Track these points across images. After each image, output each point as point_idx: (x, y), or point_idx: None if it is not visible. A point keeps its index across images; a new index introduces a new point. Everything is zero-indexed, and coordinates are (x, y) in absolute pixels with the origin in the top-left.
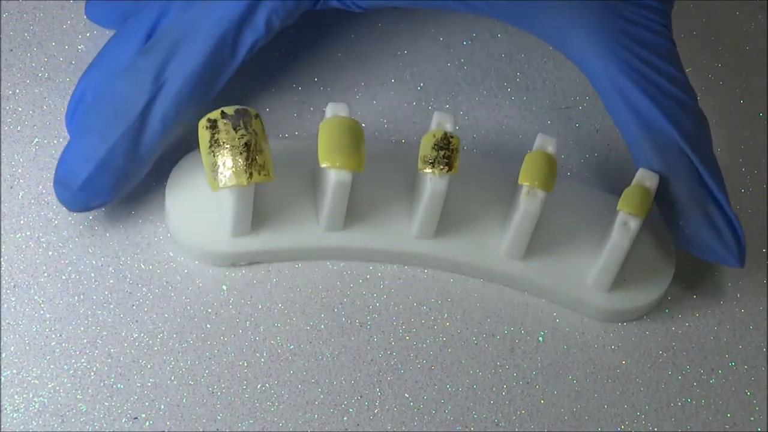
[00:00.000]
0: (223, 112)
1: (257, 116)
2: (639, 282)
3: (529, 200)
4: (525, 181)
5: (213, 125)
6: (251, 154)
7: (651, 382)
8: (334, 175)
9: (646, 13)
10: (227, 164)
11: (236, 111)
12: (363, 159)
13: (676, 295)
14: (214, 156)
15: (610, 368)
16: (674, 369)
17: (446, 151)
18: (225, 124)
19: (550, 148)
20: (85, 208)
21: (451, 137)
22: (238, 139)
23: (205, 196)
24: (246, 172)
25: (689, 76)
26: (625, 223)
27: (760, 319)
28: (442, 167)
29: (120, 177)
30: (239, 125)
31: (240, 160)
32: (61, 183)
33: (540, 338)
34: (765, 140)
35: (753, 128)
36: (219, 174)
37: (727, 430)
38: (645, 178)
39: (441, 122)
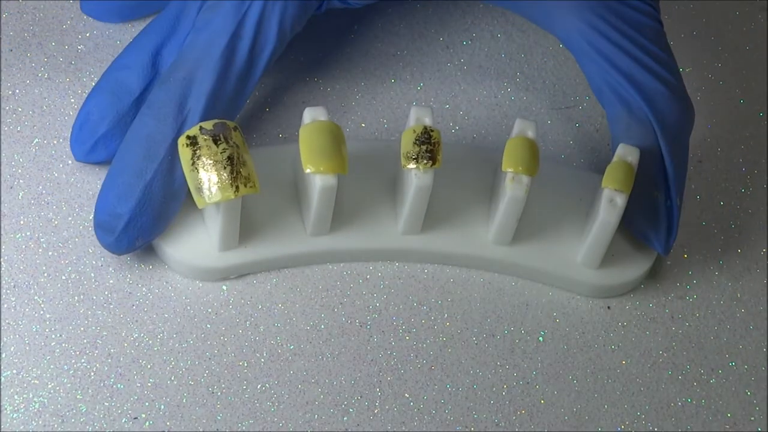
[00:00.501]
0: (201, 127)
1: (236, 128)
2: (627, 256)
3: (514, 186)
4: (509, 168)
5: (193, 142)
6: (235, 167)
7: (651, 382)
8: (320, 180)
9: None
10: (212, 180)
11: (215, 125)
12: (346, 161)
13: (677, 294)
14: (197, 172)
15: (610, 368)
16: (674, 369)
17: (428, 145)
18: (205, 139)
19: (530, 133)
20: (129, 248)
21: (432, 131)
22: (221, 153)
23: (190, 213)
24: (232, 186)
25: (689, 76)
26: (612, 199)
27: (760, 319)
28: (425, 162)
29: (160, 212)
30: (220, 139)
31: (224, 174)
32: (102, 227)
33: (540, 338)
34: (765, 140)
35: (753, 128)
36: (204, 190)
37: (727, 430)
38: (627, 154)
39: (420, 117)
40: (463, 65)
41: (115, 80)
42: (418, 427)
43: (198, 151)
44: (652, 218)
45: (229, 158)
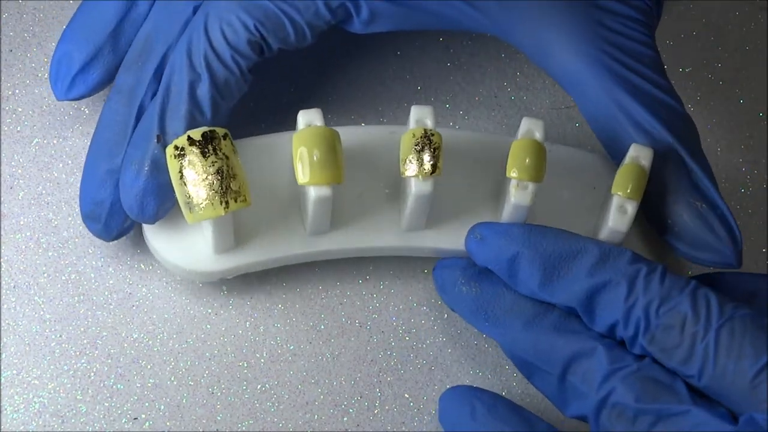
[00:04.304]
0: (189, 137)
1: (226, 135)
2: None
3: (519, 193)
4: (513, 173)
5: (181, 153)
6: (224, 181)
7: None
8: (314, 192)
9: (630, 24)
10: (201, 195)
11: (203, 135)
12: (342, 170)
13: None
14: (185, 187)
15: None
16: None
17: (429, 151)
18: (193, 151)
19: (538, 134)
20: (121, 233)
21: (432, 134)
22: (210, 166)
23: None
24: (222, 202)
25: (689, 76)
26: (621, 206)
27: None
28: (426, 170)
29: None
30: (208, 151)
31: (213, 189)
32: (88, 217)
33: None
34: (765, 140)
35: (753, 128)
36: (194, 206)
37: None
38: (640, 156)
39: (420, 118)
40: (463, 65)
41: (89, 13)
42: (418, 427)
43: (186, 164)
44: (708, 229)
45: (219, 171)
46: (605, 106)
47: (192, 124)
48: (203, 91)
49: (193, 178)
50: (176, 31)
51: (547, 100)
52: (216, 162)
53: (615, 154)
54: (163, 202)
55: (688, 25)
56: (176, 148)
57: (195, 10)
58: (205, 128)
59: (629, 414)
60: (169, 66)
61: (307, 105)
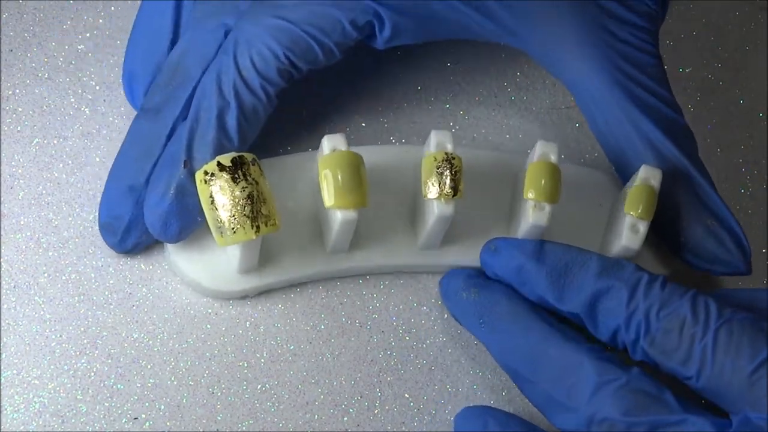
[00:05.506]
0: (219, 163)
1: (254, 161)
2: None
3: (536, 215)
4: (530, 195)
5: (211, 178)
6: (255, 205)
7: None
8: (341, 215)
9: (637, 33)
10: (232, 220)
11: (233, 161)
12: (367, 194)
13: None
14: (216, 211)
15: None
16: None
17: (450, 174)
18: (223, 177)
19: (553, 157)
20: (136, 248)
21: (453, 158)
22: (240, 191)
23: (208, 234)
24: (252, 226)
25: (689, 76)
26: (634, 226)
27: None
28: (447, 193)
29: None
30: (238, 176)
31: (245, 214)
32: (105, 228)
33: None
34: (765, 140)
35: (753, 128)
36: (225, 230)
37: None
38: (650, 177)
39: (441, 142)
40: (463, 65)
41: (146, 28)
42: (418, 427)
43: (217, 189)
44: (718, 243)
45: (249, 197)
46: (616, 119)
47: (219, 151)
48: (231, 118)
49: (224, 203)
50: (210, 54)
51: (547, 100)
52: (246, 187)
53: (621, 168)
54: (186, 224)
55: (688, 25)
56: (206, 173)
57: (226, 33)
58: (233, 154)
59: (620, 428)
60: (199, 91)
61: (308, 106)
